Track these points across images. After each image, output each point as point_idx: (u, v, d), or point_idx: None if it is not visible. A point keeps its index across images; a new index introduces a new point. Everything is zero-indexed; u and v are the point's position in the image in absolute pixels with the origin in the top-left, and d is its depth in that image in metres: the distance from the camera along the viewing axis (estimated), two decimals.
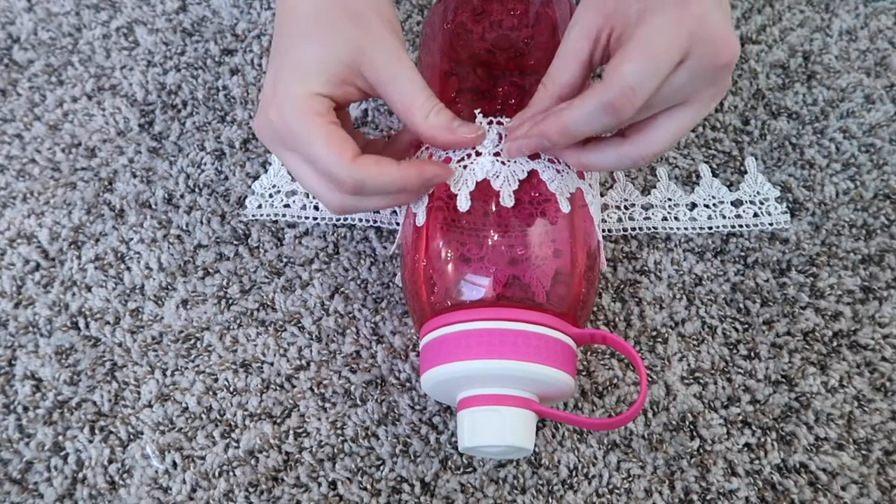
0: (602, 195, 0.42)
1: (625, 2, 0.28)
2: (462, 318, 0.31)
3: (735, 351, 0.39)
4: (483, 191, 0.32)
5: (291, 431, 0.37)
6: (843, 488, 0.36)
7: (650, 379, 0.38)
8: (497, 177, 0.32)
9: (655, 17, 0.27)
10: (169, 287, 0.40)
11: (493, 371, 0.30)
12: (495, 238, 0.32)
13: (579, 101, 0.29)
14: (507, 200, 0.32)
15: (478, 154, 0.33)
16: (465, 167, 0.33)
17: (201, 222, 0.42)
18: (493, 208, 0.32)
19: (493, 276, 0.32)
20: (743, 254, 0.41)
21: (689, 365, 0.39)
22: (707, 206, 0.42)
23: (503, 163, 0.32)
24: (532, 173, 0.33)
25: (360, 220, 0.42)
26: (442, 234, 0.33)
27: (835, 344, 0.39)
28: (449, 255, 0.32)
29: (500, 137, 0.33)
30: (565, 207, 0.32)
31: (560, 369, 0.31)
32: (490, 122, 0.33)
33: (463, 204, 0.32)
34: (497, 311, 0.31)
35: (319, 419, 0.37)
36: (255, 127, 0.33)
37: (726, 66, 0.28)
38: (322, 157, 0.30)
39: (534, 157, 0.33)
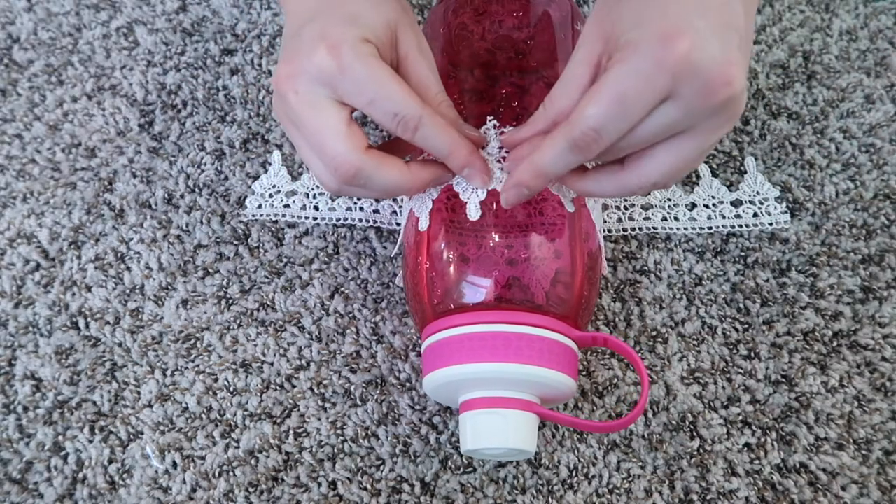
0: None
1: (620, 25, 0.27)
2: (465, 320, 0.31)
3: (735, 351, 0.39)
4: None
5: (291, 431, 0.37)
6: (843, 488, 0.36)
7: (651, 379, 0.38)
8: (501, 182, 0.32)
9: (633, 58, 0.25)
10: (169, 287, 0.40)
11: (497, 374, 0.30)
12: (497, 241, 0.32)
13: (548, 141, 0.28)
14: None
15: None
16: None
17: (201, 222, 0.42)
18: (494, 211, 0.32)
19: (494, 278, 0.32)
20: (743, 254, 0.41)
21: (689, 365, 0.39)
22: (707, 206, 0.42)
23: (505, 170, 0.32)
24: None
25: (360, 220, 0.42)
26: (444, 237, 0.33)
27: (835, 344, 0.39)
28: (450, 257, 0.32)
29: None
30: (570, 207, 0.32)
31: (562, 372, 0.31)
32: (497, 129, 0.33)
33: (473, 213, 0.32)
34: (500, 314, 0.31)
35: (319, 419, 0.37)
36: (284, 72, 0.29)
37: (725, 101, 0.26)
38: (395, 92, 0.29)
39: None
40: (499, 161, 0.33)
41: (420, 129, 0.29)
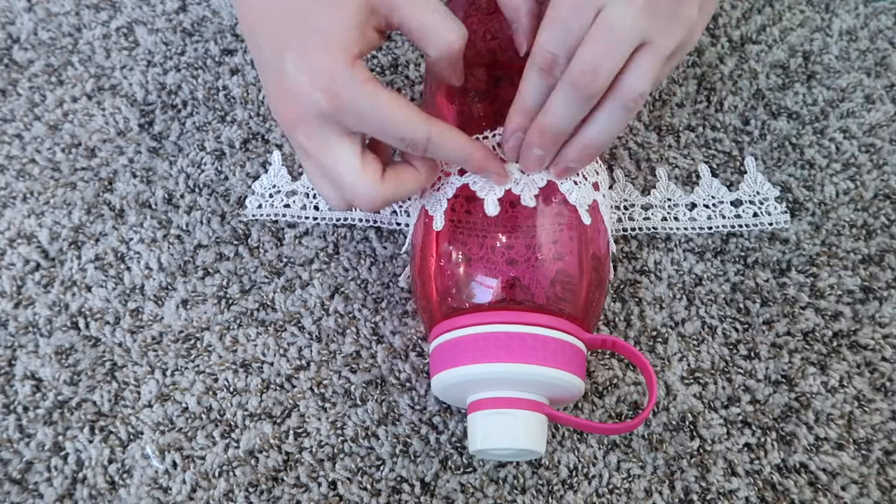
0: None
1: None
2: (477, 320, 0.31)
3: (735, 351, 0.39)
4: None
5: (291, 431, 0.37)
6: (843, 488, 0.36)
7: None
8: (517, 183, 0.32)
9: None
10: (169, 287, 0.40)
11: (509, 374, 0.30)
12: (509, 241, 0.32)
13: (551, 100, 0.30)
14: (529, 201, 0.32)
15: (503, 161, 0.33)
16: None
17: (201, 222, 0.42)
18: (508, 211, 0.32)
19: (504, 278, 0.32)
20: (743, 254, 0.41)
21: (689, 365, 0.39)
22: (707, 206, 0.42)
23: (523, 171, 0.33)
24: (550, 183, 0.33)
25: (360, 220, 0.42)
26: (453, 237, 0.33)
27: (835, 344, 0.39)
28: (461, 256, 0.32)
29: None
30: (586, 219, 0.33)
31: (573, 373, 0.31)
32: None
33: (491, 209, 0.32)
34: (511, 314, 0.31)
35: (319, 419, 0.37)
36: (289, 118, 0.29)
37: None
38: (400, 119, 0.28)
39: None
40: (521, 171, 0.33)
41: (430, 149, 0.30)
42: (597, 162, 0.35)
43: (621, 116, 0.30)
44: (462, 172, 0.33)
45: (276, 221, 0.42)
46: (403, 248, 0.41)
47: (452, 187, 0.33)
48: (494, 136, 0.33)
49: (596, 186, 0.34)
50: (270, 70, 0.30)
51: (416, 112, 0.29)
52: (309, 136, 0.29)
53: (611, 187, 0.43)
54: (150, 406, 0.38)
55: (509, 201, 0.32)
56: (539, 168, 0.32)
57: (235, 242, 0.41)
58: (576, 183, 0.33)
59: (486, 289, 0.32)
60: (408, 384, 0.38)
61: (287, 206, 0.42)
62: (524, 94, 0.31)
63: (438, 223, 0.33)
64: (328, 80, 0.28)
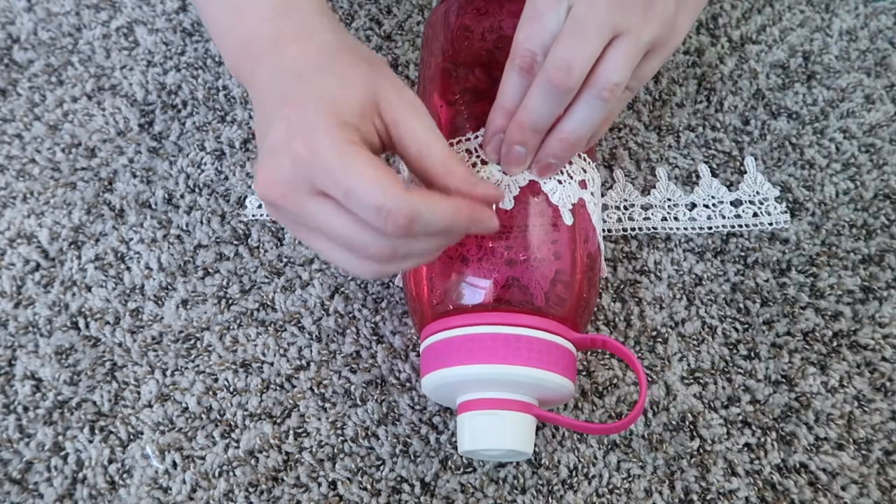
0: (602, 195, 0.42)
1: None
2: (464, 321, 0.31)
3: (735, 351, 0.39)
4: None
5: (291, 431, 0.37)
6: (843, 488, 0.36)
7: (650, 379, 0.38)
8: (499, 183, 0.32)
9: None
10: (169, 287, 0.40)
11: (495, 375, 0.30)
12: (496, 242, 0.32)
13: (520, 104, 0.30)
14: (507, 203, 0.32)
15: (483, 163, 0.33)
16: None
17: (201, 222, 0.42)
18: (495, 212, 0.32)
19: (493, 279, 0.32)
20: (743, 254, 0.41)
21: (689, 365, 0.39)
22: (706, 206, 0.42)
23: (506, 172, 0.33)
24: (533, 182, 0.33)
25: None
26: None
27: (835, 344, 0.39)
28: (450, 258, 0.32)
29: None
30: (568, 220, 0.33)
31: (561, 374, 0.31)
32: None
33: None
34: (499, 315, 0.31)
35: (319, 419, 0.37)
36: (264, 179, 0.27)
37: None
38: (369, 189, 0.25)
39: None
40: (504, 173, 0.33)
41: (415, 223, 0.26)
42: (584, 160, 0.35)
43: (597, 107, 0.30)
44: None
45: (275, 221, 0.42)
46: None
47: None
48: (477, 137, 0.33)
49: (583, 185, 0.34)
50: (260, 132, 0.29)
51: (400, 185, 0.26)
52: (286, 196, 0.27)
53: (611, 187, 0.43)
54: (150, 406, 0.38)
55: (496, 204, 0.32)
56: (521, 166, 0.32)
57: (235, 242, 0.41)
58: (560, 182, 0.33)
59: (477, 290, 0.32)
60: (408, 384, 0.38)
61: None
62: (504, 94, 0.31)
63: None
64: (308, 131, 0.26)
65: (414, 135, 0.28)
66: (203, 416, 0.37)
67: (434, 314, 0.33)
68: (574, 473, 0.36)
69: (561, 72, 0.28)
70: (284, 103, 0.28)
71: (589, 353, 0.39)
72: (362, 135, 0.27)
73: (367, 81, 0.28)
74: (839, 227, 0.42)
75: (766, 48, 0.48)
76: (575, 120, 0.30)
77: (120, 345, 0.39)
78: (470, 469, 0.36)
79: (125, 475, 0.36)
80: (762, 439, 0.37)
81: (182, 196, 0.43)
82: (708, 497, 0.36)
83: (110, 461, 0.36)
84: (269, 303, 0.40)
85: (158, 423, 0.37)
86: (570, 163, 0.34)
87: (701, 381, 0.38)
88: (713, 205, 0.42)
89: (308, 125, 0.26)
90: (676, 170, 0.44)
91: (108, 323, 0.39)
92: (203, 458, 0.36)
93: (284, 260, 0.41)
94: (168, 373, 0.38)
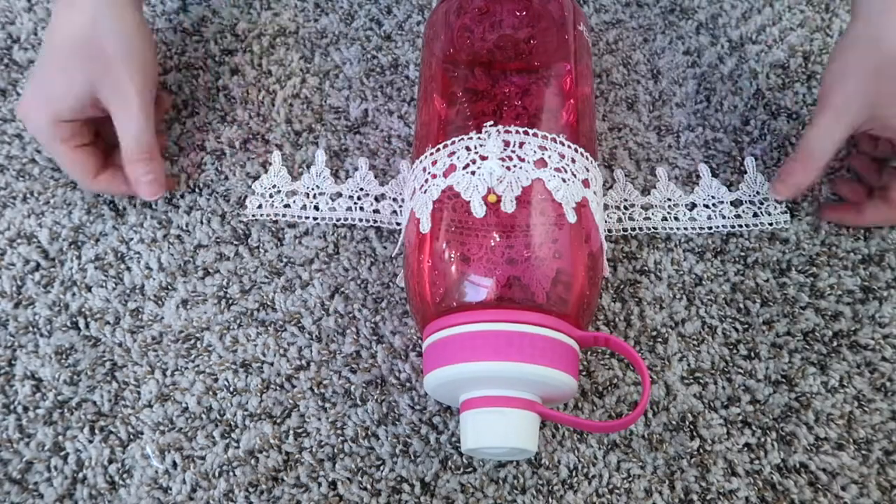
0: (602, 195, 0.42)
1: (891, 106, 0.36)
2: (466, 319, 0.31)
3: (735, 351, 0.39)
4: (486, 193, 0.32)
5: (291, 431, 0.37)
6: (843, 488, 0.36)
7: (651, 379, 0.38)
8: (501, 181, 0.32)
9: None
10: (169, 287, 0.40)
11: (499, 373, 0.30)
12: (498, 240, 0.32)
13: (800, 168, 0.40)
14: (509, 206, 0.32)
15: (483, 158, 0.33)
16: (472, 173, 0.33)
17: (201, 222, 0.42)
18: (496, 211, 0.32)
19: (495, 277, 0.32)
20: (743, 254, 0.41)
21: (689, 365, 0.39)
22: (707, 206, 0.42)
23: (509, 168, 0.32)
24: (537, 181, 0.33)
25: (360, 220, 0.42)
26: (445, 237, 0.33)
27: (835, 344, 0.39)
28: (452, 256, 0.32)
29: (506, 144, 0.33)
30: (571, 217, 0.32)
31: (564, 371, 0.31)
32: (495, 128, 0.33)
33: (478, 211, 0.32)
34: (502, 312, 0.31)
35: (319, 419, 0.37)
36: (18, 108, 0.39)
37: None
38: (71, 173, 0.40)
39: (539, 165, 0.33)
40: (500, 159, 0.33)
41: (102, 189, 0.41)
42: (587, 159, 0.35)
43: None
44: (446, 174, 0.33)
45: (276, 221, 0.42)
46: (395, 251, 0.41)
47: (438, 189, 0.33)
48: (478, 137, 0.33)
49: (586, 184, 0.34)
50: (36, 65, 0.40)
51: (88, 177, 0.40)
52: (41, 138, 0.39)
53: (611, 187, 0.43)
54: (150, 406, 0.38)
55: (499, 203, 0.32)
56: None
57: (235, 242, 0.41)
58: (564, 181, 0.33)
59: (479, 288, 0.32)
60: (408, 384, 0.38)
61: (287, 206, 0.42)
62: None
63: (425, 225, 0.33)
64: (34, 124, 0.38)
65: (122, 131, 0.39)
66: (203, 416, 0.37)
67: (436, 312, 0.33)
68: (574, 473, 0.36)
69: None
70: (35, 74, 0.39)
71: (589, 353, 0.39)
72: (74, 128, 0.39)
73: (87, 81, 0.37)
74: (839, 226, 0.42)
75: (766, 48, 0.48)
76: None
77: (120, 345, 0.39)
78: (470, 469, 0.36)
79: (125, 475, 0.36)
80: (762, 439, 0.37)
81: (182, 196, 0.43)
82: (708, 497, 0.36)
83: (110, 461, 0.36)
84: (269, 303, 0.40)
85: (158, 423, 0.37)
86: (573, 161, 0.34)
87: (701, 381, 0.38)
88: (713, 205, 0.42)
89: (35, 118, 0.38)
90: (676, 170, 0.44)
91: (108, 323, 0.39)
92: (203, 458, 0.36)
93: (284, 260, 0.41)
94: (168, 373, 0.38)
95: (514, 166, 0.32)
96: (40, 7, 0.49)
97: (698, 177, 0.43)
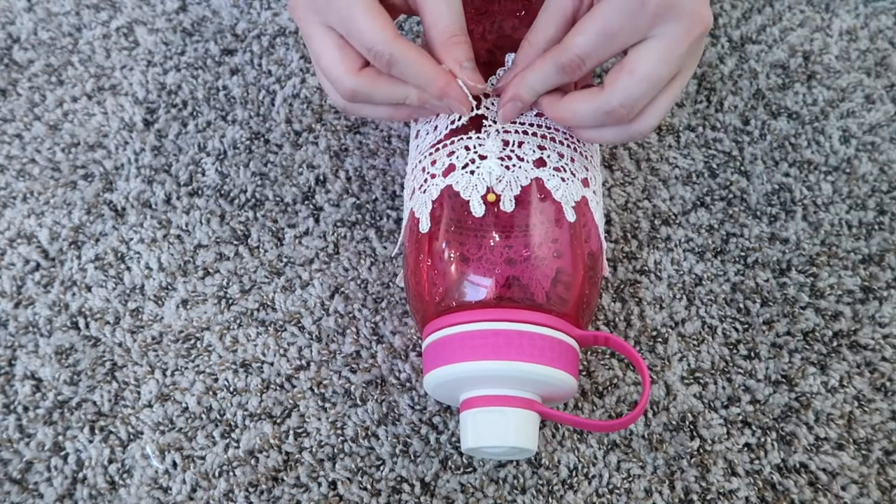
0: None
1: None
2: (466, 318, 0.31)
3: (735, 351, 0.39)
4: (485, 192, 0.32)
5: (291, 431, 0.37)
6: (843, 488, 0.36)
7: (651, 379, 0.38)
8: (500, 181, 0.32)
9: None
10: (169, 287, 0.40)
11: (498, 372, 0.30)
12: (497, 239, 0.32)
13: (539, 61, 0.31)
14: (508, 205, 0.32)
15: (482, 158, 0.33)
16: (472, 172, 0.33)
17: (201, 222, 0.42)
18: (496, 210, 0.32)
19: (495, 276, 0.32)
20: (743, 254, 0.41)
21: (689, 365, 0.39)
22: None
23: (508, 167, 0.32)
24: (536, 180, 0.33)
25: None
26: (444, 236, 0.33)
27: (835, 344, 0.39)
28: (451, 256, 0.32)
29: (505, 143, 0.33)
30: (571, 216, 0.32)
31: (564, 371, 0.31)
32: (494, 127, 0.33)
33: (477, 210, 0.32)
34: (501, 311, 0.31)
35: (319, 419, 0.37)
36: (290, 3, 0.33)
37: (698, 38, 0.29)
38: (364, 30, 0.30)
39: (539, 164, 0.33)
40: (499, 159, 0.33)
41: (394, 66, 0.30)
42: (586, 158, 0.35)
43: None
44: (446, 174, 0.33)
45: (276, 221, 0.42)
46: (395, 252, 0.41)
47: (437, 188, 0.33)
48: (478, 137, 0.33)
49: (585, 183, 0.34)
50: None
51: (384, 29, 0.30)
52: (301, 19, 0.32)
53: (611, 187, 0.43)
54: (150, 406, 0.38)
55: (498, 202, 0.32)
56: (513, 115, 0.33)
57: (235, 242, 0.41)
58: (563, 180, 0.33)
59: (479, 287, 0.32)
60: (408, 384, 0.38)
61: None
62: (531, 81, 0.31)
63: (425, 225, 0.33)
64: None
65: (430, 6, 0.31)
66: (203, 416, 0.37)
67: (436, 311, 0.33)
68: (574, 473, 0.36)
69: (624, 109, 0.30)
70: None
71: (589, 353, 0.39)
72: None
73: None
74: (839, 226, 0.42)
75: (766, 48, 0.48)
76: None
77: (120, 345, 0.39)
78: (470, 469, 0.36)
79: (125, 475, 0.36)
80: (762, 439, 0.37)
81: (182, 196, 0.43)
82: (708, 497, 0.36)
83: (110, 461, 0.36)
84: (269, 303, 0.40)
85: (158, 423, 0.37)
86: (573, 160, 0.34)
87: (701, 381, 0.38)
88: None
89: None
90: (676, 170, 0.44)
91: (108, 323, 0.39)
92: (203, 458, 0.36)
93: (284, 260, 0.41)
94: (168, 373, 0.38)
95: (514, 165, 0.33)
96: (40, 7, 0.50)
97: (698, 177, 0.43)
